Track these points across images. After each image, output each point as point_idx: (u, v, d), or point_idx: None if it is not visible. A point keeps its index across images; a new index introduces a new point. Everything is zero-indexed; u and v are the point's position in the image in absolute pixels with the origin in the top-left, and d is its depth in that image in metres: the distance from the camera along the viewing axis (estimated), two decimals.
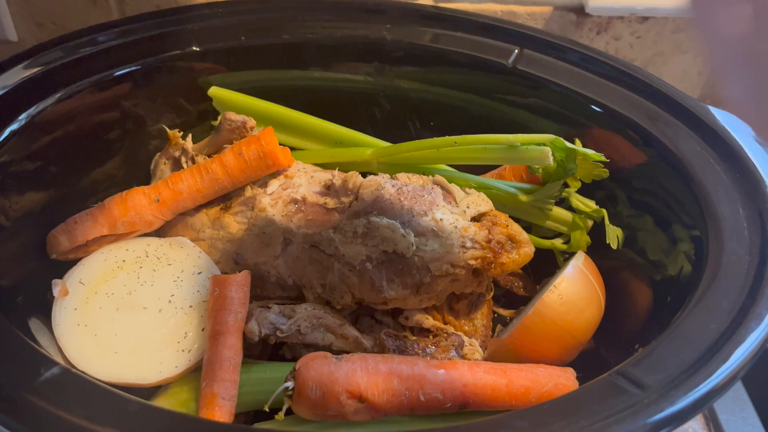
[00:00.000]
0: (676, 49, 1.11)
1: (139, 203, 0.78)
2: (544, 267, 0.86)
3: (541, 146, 0.74)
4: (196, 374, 0.71)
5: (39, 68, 0.77)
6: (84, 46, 0.82)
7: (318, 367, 0.66)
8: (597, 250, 0.83)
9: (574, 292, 0.76)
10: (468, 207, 0.77)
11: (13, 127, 0.73)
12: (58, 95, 0.77)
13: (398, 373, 0.67)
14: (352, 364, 0.67)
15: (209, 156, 0.83)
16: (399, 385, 0.66)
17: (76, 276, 0.75)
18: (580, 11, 1.06)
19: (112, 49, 0.83)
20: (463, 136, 0.77)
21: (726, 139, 0.75)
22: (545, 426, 0.51)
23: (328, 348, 0.75)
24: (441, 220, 0.74)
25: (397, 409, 0.66)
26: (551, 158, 0.74)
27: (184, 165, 0.83)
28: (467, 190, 0.80)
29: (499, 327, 0.87)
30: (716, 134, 0.76)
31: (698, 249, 0.68)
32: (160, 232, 0.82)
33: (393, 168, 0.82)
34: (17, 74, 0.76)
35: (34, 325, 0.72)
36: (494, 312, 0.88)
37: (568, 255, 0.85)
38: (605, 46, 1.10)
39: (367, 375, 0.66)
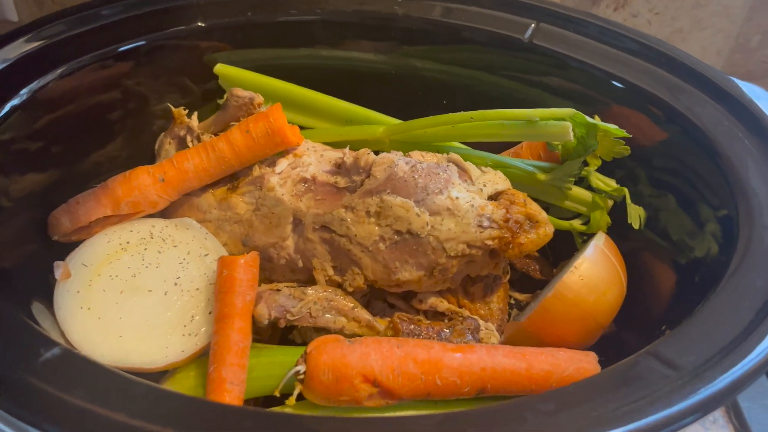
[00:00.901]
0: (695, 25, 1.08)
1: (143, 183, 0.75)
2: (562, 249, 0.84)
3: (561, 121, 0.71)
4: (203, 359, 0.69)
5: (40, 42, 0.75)
6: (86, 20, 0.80)
7: (330, 351, 0.64)
8: (617, 230, 0.80)
9: (596, 273, 0.73)
10: (485, 185, 0.74)
11: (14, 102, 0.70)
12: (59, 71, 0.75)
13: (414, 356, 0.64)
14: (365, 347, 0.64)
15: (215, 134, 0.80)
16: (415, 368, 0.64)
17: (78, 258, 0.73)
18: None
19: (115, 24, 0.81)
20: (480, 111, 0.74)
21: (754, 112, 0.72)
22: (572, 408, 0.48)
23: (339, 332, 0.72)
24: (457, 198, 0.71)
25: (412, 393, 0.63)
26: (572, 133, 0.71)
27: (190, 144, 0.80)
28: (483, 168, 0.77)
29: (515, 312, 0.85)
30: (744, 107, 0.73)
31: (728, 226, 0.65)
32: (165, 213, 0.79)
33: (406, 146, 0.79)
34: (18, 48, 0.73)
35: (36, 308, 0.69)
36: (510, 296, 0.85)
37: (587, 236, 0.82)
38: (622, 23, 1.07)
39: (381, 358, 0.64)
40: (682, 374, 0.49)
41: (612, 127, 0.74)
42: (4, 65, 0.72)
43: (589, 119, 0.73)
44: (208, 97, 0.90)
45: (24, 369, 0.48)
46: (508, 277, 0.81)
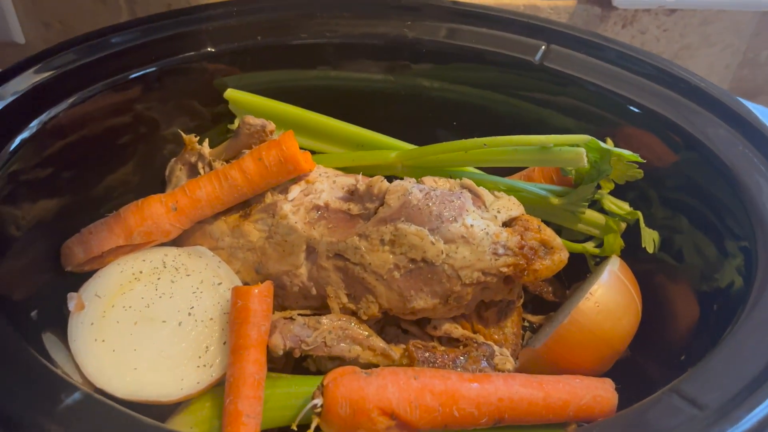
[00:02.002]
0: (703, 41, 1.08)
1: (155, 212, 0.75)
2: (575, 271, 0.83)
3: (575, 147, 0.71)
4: (218, 389, 0.68)
5: (50, 72, 0.74)
6: (95, 48, 0.79)
7: (347, 383, 0.63)
8: (631, 253, 0.80)
9: (611, 299, 0.72)
10: (499, 211, 0.74)
11: (24, 135, 0.70)
12: (70, 100, 0.75)
13: (431, 387, 0.64)
14: (382, 379, 0.64)
15: (227, 161, 0.79)
16: (432, 400, 0.64)
17: (92, 289, 0.72)
18: (605, 4, 1.02)
19: (125, 51, 0.80)
20: (493, 137, 0.74)
21: None
22: None
23: (354, 360, 0.72)
24: (471, 225, 0.70)
25: (430, 425, 0.63)
26: (586, 160, 0.71)
27: (201, 171, 0.80)
28: (496, 193, 0.76)
29: (528, 334, 0.84)
30: (758, 131, 0.72)
31: (746, 256, 0.65)
32: (178, 242, 0.79)
33: (418, 171, 0.79)
34: (28, 79, 0.73)
35: (50, 340, 0.69)
36: (523, 318, 0.85)
37: (600, 259, 0.82)
38: (631, 40, 1.07)
39: (398, 390, 0.63)
40: (708, 413, 0.48)
41: (625, 152, 0.73)
42: (14, 97, 0.72)
43: (602, 145, 0.73)
44: (219, 120, 0.90)
45: (44, 414, 0.48)
46: (522, 301, 0.80)
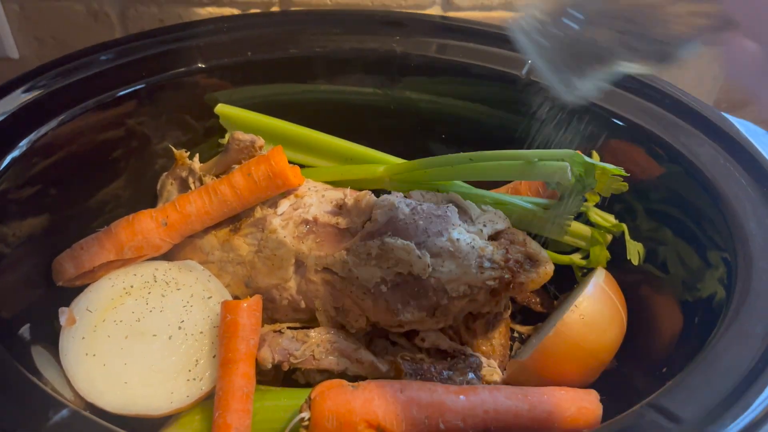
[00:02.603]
0: None
1: (146, 227, 0.76)
2: (562, 282, 0.84)
3: (559, 162, 0.72)
4: (208, 402, 0.69)
5: (40, 91, 0.75)
6: (86, 65, 0.80)
7: (334, 397, 0.64)
8: (617, 264, 0.81)
9: (596, 311, 0.73)
10: (485, 225, 0.75)
11: (14, 154, 0.71)
12: (60, 118, 0.75)
13: (417, 400, 0.65)
14: (368, 392, 0.65)
15: (217, 176, 0.80)
16: (418, 413, 0.64)
17: (83, 303, 0.73)
18: None
19: (116, 68, 0.81)
20: (479, 152, 0.75)
21: (750, 151, 0.72)
22: None
23: (342, 373, 0.72)
24: (457, 240, 0.71)
25: None
26: (570, 174, 0.72)
27: (192, 185, 0.81)
28: (483, 207, 0.77)
29: (516, 345, 0.85)
30: (740, 146, 0.73)
31: (726, 267, 0.66)
32: (169, 256, 0.80)
33: (406, 185, 0.80)
34: (17, 98, 0.74)
35: (42, 355, 0.70)
36: (511, 329, 0.86)
37: (587, 270, 0.83)
38: None
39: (384, 403, 0.64)
40: (685, 428, 0.49)
41: (609, 166, 0.74)
42: (4, 116, 0.72)
43: (587, 159, 0.74)
44: (210, 135, 0.91)
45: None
46: (509, 312, 0.81)
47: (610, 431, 0.51)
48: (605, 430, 0.52)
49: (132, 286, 0.75)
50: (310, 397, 0.64)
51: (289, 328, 0.75)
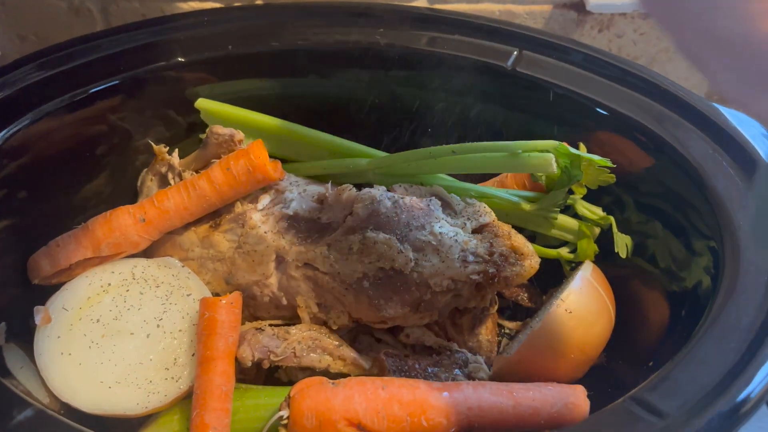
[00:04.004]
0: None
1: (124, 223, 0.74)
2: (551, 276, 0.83)
3: (543, 153, 0.71)
4: (187, 401, 0.68)
5: (14, 88, 0.74)
6: (64, 60, 0.79)
7: (313, 395, 0.63)
8: (605, 258, 0.79)
9: (583, 305, 0.72)
10: (469, 219, 0.73)
11: None
12: (38, 112, 0.74)
13: (399, 397, 0.63)
14: (349, 389, 0.63)
15: (197, 171, 0.79)
16: (400, 410, 0.63)
17: (59, 302, 0.72)
18: (580, 8, 1.02)
19: (94, 62, 0.80)
20: (461, 144, 0.73)
21: (738, 140, 0.71)
22: None
23: (325, 371, 0.71)
24: (440, 233, 0.70)
25: None
26: (555, 165, 0.70)
27: (171, 181, 0.80)
28: (468, 200, 0.76)
29: (505, 341, 0.84)
30: (728, 135, 0.72)
31: (714, 259, 0.64)
32: (148, 253, 0.78)
33: (390, 179, 0.79)
34: None
35: (16, 354, 0.69)
36: (499, 325, 0.84)
37: (575, 264, 0.82)
38: (607, 44, 1.06)
39: (365, 401, 0.63)
40: (667, 421, 0.48)
41: (595, 157, 0.73)
42: None
43: (572, 150, 0.72)
44: (192, 130, 0.90)
45: None
46: (496, 307, 0.80)
47: (592, 424, 0.49)
48: (586, 423, 0.51)
49: (109, 284, 0.74)
50: (289, 395, 0.63)
51: (270, 325, 0.74)
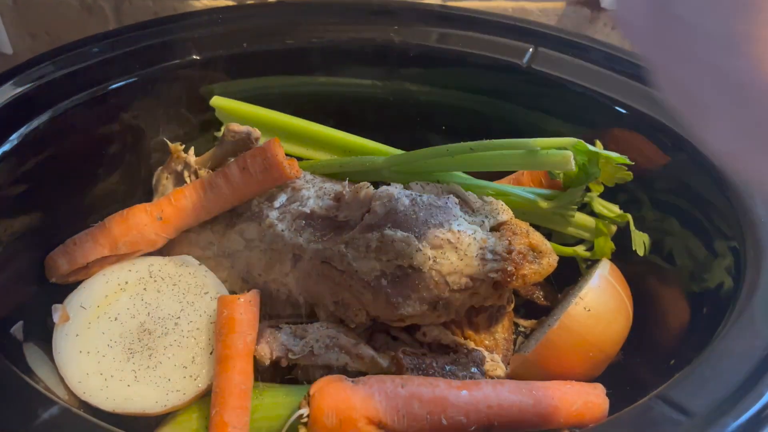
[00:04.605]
0: None
1: (140, 222, 0.74)
2: (566, 275, 0.82)
3: (562, 150, 0.70)
4: (205, 400, 0.68)
5: (31, 84, 0.74)
6: (79, 58, 0.79)
7: (333, 393, 0.63)
8: (622, 255, 0.79)
9: (602, 303, 0.72)
10: (486, 216, 0.73)
11: (5, 147, 0.69)
12: (52, 111, 0.74)
13: (419, 396, 0.63)
14: (369, 387, 0.63)
15: (213, 169, 0.79)
16: (420, 408, 0.63)
17: (76, 300, 0.72)
18: (594, 5, 1.01)
19: (109, 60, 0.80)
20: (479, 141, 0.73)
21: None
22: None
23: (342, 369, 0.71)
24: (459, 231, 0.70)
25: None
26: (573, 163, 0.70)
27: (187, 179, 0.79)
28: (485, 198, 0.76)
29: (520, 339, 0.83)
30: None
31: (735, 257, 0.64)
32: (164, 251, 0.78)
33: (406, 177, 0.78)
34: (8, 91, 0.72)
35: (35, 353, 0.68)
36: (515, 323, 0.84)
37: (591, 262, 0.81)
38: (621, 42, 1.06)
39: (385, 399, 0.63)
40: (695, 420, 0.48)
41: (613, 154, 0.73)
42: None
43: (590, 147, 0.72)
44: (206, 128, 0.89)
45: (21, 430, 0.47)
46: (512, 306, 0.80)
47: (620, 424, 0.49)
48: (614, 422, 0.50)
49: (127, 282, 0.73)
50: (309, 393, 0.63)
51: (287, 323, 0.74)
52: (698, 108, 0.34)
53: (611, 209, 0.80)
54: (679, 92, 0.35)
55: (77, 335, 0.69)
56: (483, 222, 0.72)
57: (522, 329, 0.84)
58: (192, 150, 0.81)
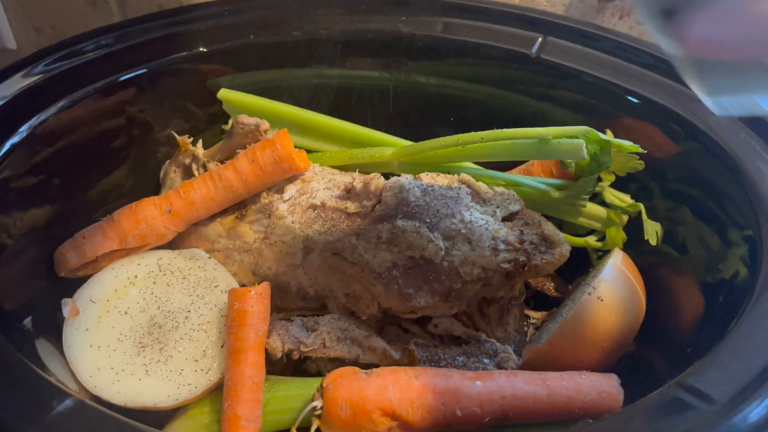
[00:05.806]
0: None
1: (149, 215, 0.73)
2: (577, 265, 0.82)
3: (574, 139, 0.70)
4: (217, 393, 0.67)
5: (39, 76, 0.73)
6: (86, 51, 0.78)
7: (347, 384, 0.62)
8: (633, 245, 0.78)
9: (615, 293, 0.71)
10: (498, 207, 0.73)
11: (14, 140, 0.69)
12: (60, 104, 0.74)
13: (432, 386, 0.63)
14: (382, 379, 0.63)
15: (221, 162, 0.78)
16: (434, 399, 0.62)
17: (86, 294, 0.71)
18: None
19: (115, 53, 0.79)
20: (490, 131, 0.73)
21: None
22: None
23: (354, 361, 0.70)
24: (470, 221, 0.69)
25: (433, 425, 0.62)
26: (585, 152, 0.70)
27: (195, 172, 0.79)
28: (495, 188, 0.75)
29: (531, 331, 0.83)
30: (761, 120, 0.71)
31: (750, 246, 0.63)
32: (173, 244, 0.78)
33: (416, 167, 0.78)
34: (16, 83, 0.72)
35: (44, 348, 0.68)
36: (525, 315, 0.83)
37: (602, 253, 0.81)
38: (628, 31, 1.05)
39: (399, 390, 0.62)
40: (717, 407, 0.47)
41: (625, 143, 0.72)
42: (3, 101, 0.70)
43: (602, 136, 0.71)
44: (213, 121, 0.89)
45: (36, 422, 0.47)
46: (524, 297, 0.79)
47: (640, 411, 0.48)
48: (634, 409, 0.50)
49: (136, 276, 0.73)
50: (322, 386, 0.62)
51: (298, 316, 0.73)
52: None
53: (623, 199, 0.79)
54: None
55: (87, 329, 0.69)
56: (495, 212, 0.72)
57: (533, 321, 0.84)
58: (200, 143, 0.81)
